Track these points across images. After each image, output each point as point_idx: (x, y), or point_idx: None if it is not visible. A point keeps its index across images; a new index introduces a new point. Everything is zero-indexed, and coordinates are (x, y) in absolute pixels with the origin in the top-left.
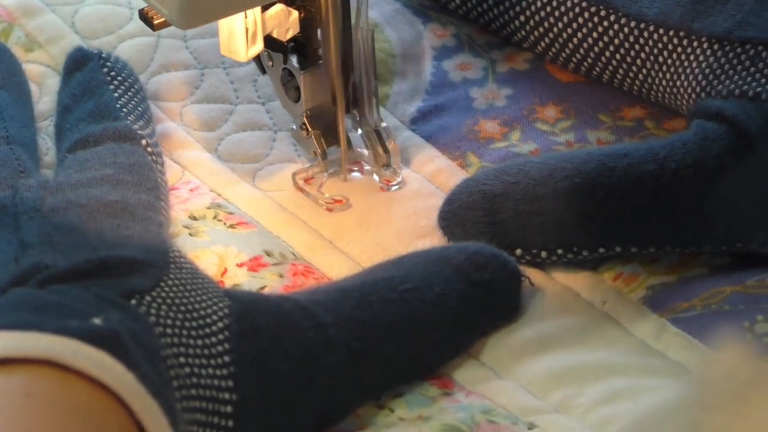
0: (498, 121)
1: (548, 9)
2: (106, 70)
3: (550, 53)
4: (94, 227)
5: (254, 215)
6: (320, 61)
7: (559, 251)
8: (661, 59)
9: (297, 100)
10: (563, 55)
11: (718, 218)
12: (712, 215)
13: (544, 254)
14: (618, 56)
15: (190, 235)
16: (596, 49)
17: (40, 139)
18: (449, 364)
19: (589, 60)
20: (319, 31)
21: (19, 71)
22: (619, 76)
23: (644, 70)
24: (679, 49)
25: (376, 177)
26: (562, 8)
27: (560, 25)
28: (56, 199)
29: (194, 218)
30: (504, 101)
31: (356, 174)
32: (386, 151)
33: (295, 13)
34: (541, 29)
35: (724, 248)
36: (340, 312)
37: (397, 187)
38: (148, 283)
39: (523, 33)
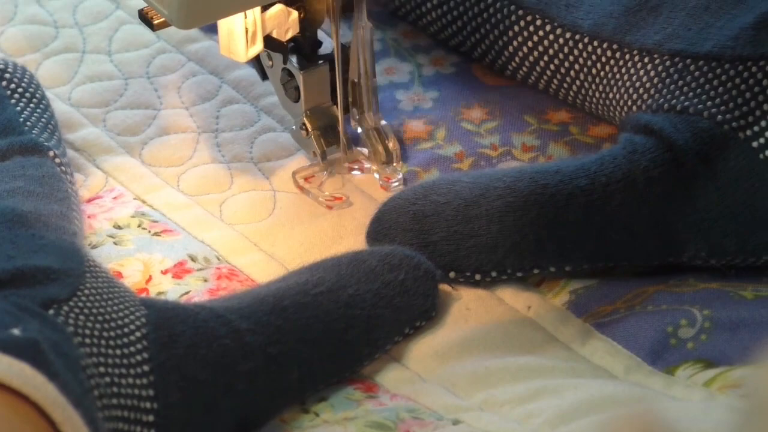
0: (423, 120)
1: (485, 15)
2: (5, 83)
3: (487, 59)
4: (9, 237)
5: (178, 221)
6: (320, 61)
7: (494, 273)
8: (594, 71)
9: (297, 100)
10: (499, 61)
11: (649, 233)
12: (644, 230)
13: (477, 276)
14: (552, 66)
15: (115, 243)
16: (531, 57)
17: None
18: (373, 368)
19: (525, 68)
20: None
21: None
22: (554, 86)
23: (578, 81)
24: (612, 62)
25: (376, 175)
26: (499, 15)
27: (496, 32)
28: None
29: (118, 227)
30: (430, 103)
31: (356, 173)
32: (386, 149)
33: (294, 13)
34: (477, 35)
35: (656, 263)
36: (255, 318)
37: (397, 184)
38: (65, 292)
39: (460, 38)
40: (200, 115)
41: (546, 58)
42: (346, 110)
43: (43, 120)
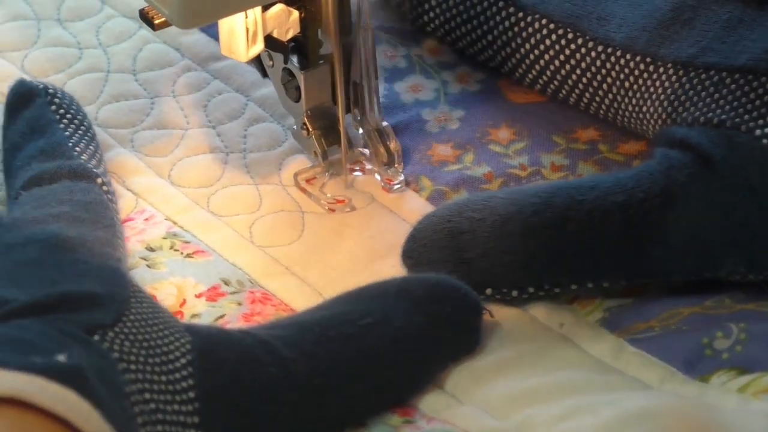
0: (451, 144)
1: (516, 29)
2: (54, 107)
3: (517, 74)
4: (53, 262)
5: (210, 242)
6: (321, 61)
7: (531, 289)
8: (627, 84)
9: (297, 100)
10: (529, 76)
11: (687, 248)
12: (681, 245)
13: (515, 293)
14: (584, 80)
15: (148, 266)
16: (563, 71)
17: None
18: None
19: (556, 82)
20: (319, 31)
21: None
22: (585, 100)
23: (610, 95)
24: (645, 75)
25: (377, 176)
26: (530, 29)
27: (527, 46)
28: (14, 235)
29: (151, 249)
30: (457, 123)
31: (358, 174)
32: (388, 150)
33: (295, 13)
34: (508, 49)
35: (693, 278)
36: (300, 347)
37: (399, 186)
38: (110, 318)
39: (490, 53)
40: (227, 135)
41: (578, 72)
42: (348, 110)
43: (91, 147)
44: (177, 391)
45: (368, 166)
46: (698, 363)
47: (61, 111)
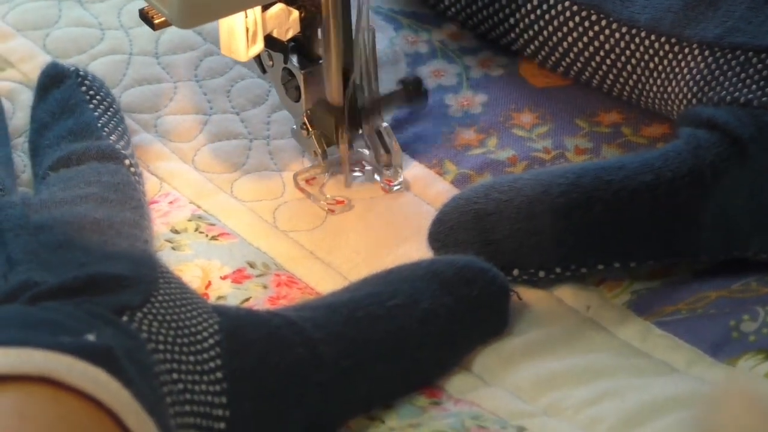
0: (474, 128)
1: (538, 12)
2: (84, 88)
3: (539, 57)
4: (81, 244)
5: (234, 227)
6: (320, 61)
7: (558, 270)
8: (652, 65)
9: (297, 99)
10: (552, 59)
11: (715, 228)
12: (710, 225)
13: (542, 273)
14: (608, 61)
15: (173, 249)
16: (586, 53)
17: (16, 156)
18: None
19: (579, 64)
20: (319, 31)
21: None
22: (608, 82)
23: (635, 76)
24: (671, 56)
25: (377, 177)
26: (553, 11)
27: (550, 28)
28: (41, 217)
29: (176, 231)
30: (479, 108)
31: (357, 174)
32: (388, 151)
33: (295, 13)
34: (531, 32)
35: (721, 257)
36: (328, 328)
37: (398, 187)
38: (138, 299)
39: (512, 36)
40: (251, 121)
41: (602, 53)
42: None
43: (119, 129)
44: (205, 371)
45: (368, 167)
46: (725, 346)
47: (91, 92)
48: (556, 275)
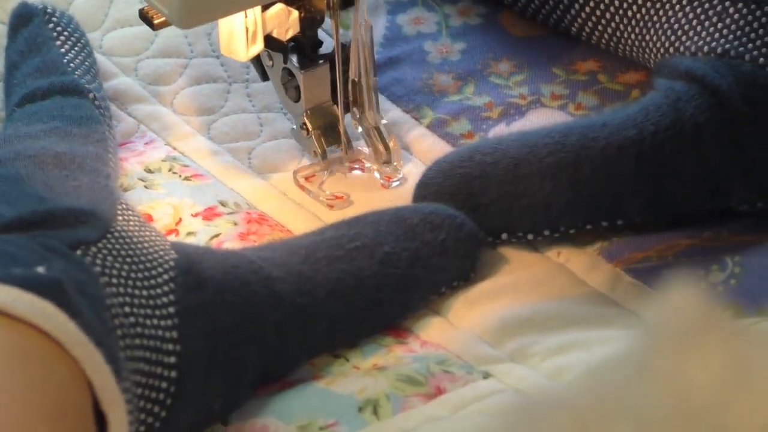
0: (452, 75)
1: None
2: (51, 25)
3: (519, 5)
4: (42, 178)
5: (209, 168)
6: (320, 61)
7: (546, 233)
8: (630, 13)
9: (297, 99)
10: (531, 7)
11: (699, 179)
12: (694, 177)
13: (530, 237)
14: (587, 9)
15: (146, 187)
16: (565, 1)
17: None
18: None
19: (558, 12)
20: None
21: None
22: (587, 29)
23: (612, 24)
24: (648, 4)
25: (377, 174)
26: None
27: None
28: (4, 151)
29: (149, 171)
30: (458, 55)
31: (357, 171)
32: (387, 148)
33: (295, 13)
34: None
35: (706, 209)
36: (287, 268)
37: (397, 183)
38: (95, 235)
39: None
40: (231, 65)
41: (580, 1)
42: (347, 109)
43: (86, 64)
44: (157, 306)
45: (367, 165)
46: None
47: (59, 29)
48: (544, 237)
